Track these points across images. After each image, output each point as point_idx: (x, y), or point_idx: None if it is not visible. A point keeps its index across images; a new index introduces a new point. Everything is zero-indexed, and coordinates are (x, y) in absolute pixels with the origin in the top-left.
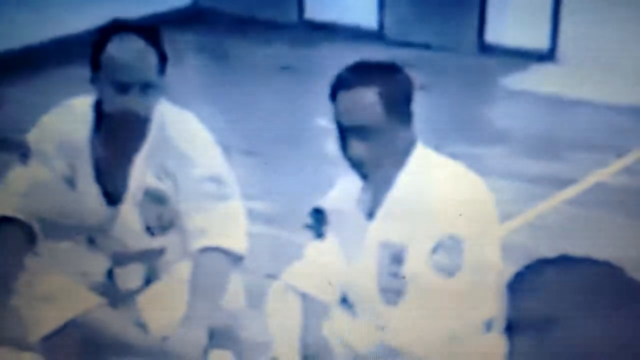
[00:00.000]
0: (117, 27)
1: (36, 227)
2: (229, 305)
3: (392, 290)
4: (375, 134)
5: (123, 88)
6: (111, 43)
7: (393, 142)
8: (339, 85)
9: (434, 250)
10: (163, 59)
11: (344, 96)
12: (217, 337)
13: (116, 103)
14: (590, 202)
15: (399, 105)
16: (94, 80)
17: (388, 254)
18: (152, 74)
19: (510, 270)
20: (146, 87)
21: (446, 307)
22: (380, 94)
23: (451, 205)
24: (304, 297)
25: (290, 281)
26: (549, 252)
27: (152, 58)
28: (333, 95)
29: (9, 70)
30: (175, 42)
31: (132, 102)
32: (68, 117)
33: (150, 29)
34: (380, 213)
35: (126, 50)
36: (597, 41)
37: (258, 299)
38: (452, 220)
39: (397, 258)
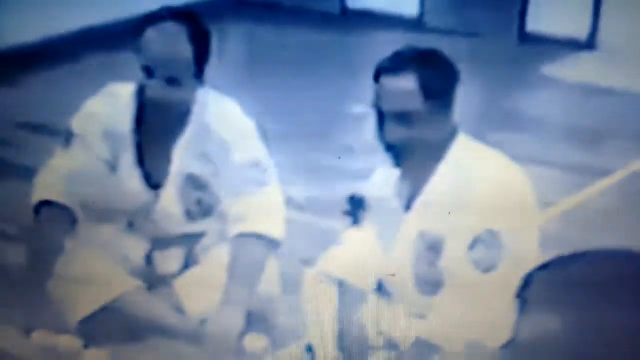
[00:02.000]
0: (157, 17)
1: (77, 211)
2: (266, 291)
3: (429, 280)
4: (413, 121)
5: (149, 73)
6: (150, 28)
7: (432, 131)
8: (383, 70)
9: (472, 244)
10: (205, 54)
11: (386, 81)
12: (253, 321)
13: (147, 87)
14: (628, 192)
15: (439, 93)
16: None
17: (425, 243)
18: (178, 68)
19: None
20: (172, 80)
21: (484, 301)
22: (421, 81)
23: (491, 198)
24: (340, 284)
25: (327, 268)
26: (586, 242)
27: (184, 53)
28: (376, 79)
29: (51, 56)
30: (216, 30)
31: (157, 89)
32: (111, 102)
33: (194, 19)
34: (419, 203)
35: (159, 38)
36: (637, 30)
37: (294, 285)
38: (491, 213)
39: (435, 248)
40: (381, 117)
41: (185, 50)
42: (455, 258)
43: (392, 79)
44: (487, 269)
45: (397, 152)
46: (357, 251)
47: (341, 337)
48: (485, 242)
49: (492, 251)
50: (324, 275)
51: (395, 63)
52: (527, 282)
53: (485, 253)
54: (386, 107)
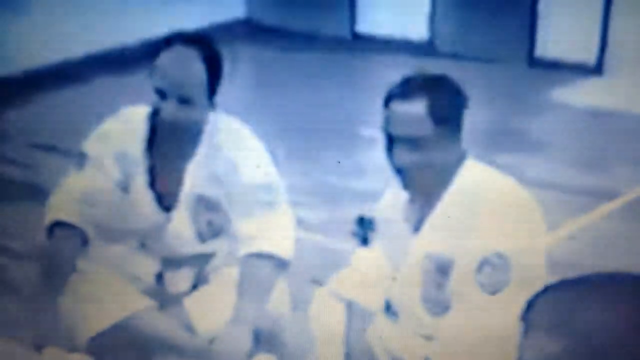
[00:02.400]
0: (169, 40)
1: (90, 231)
2: (275, 310)
3: (436, 302)
4: (422, 145)
5: (162, 95)
6: (164, 51)
7: (441, 155)
8: (393, 95)
9: (480, 267)
10: (217, 77)
11: (396, 106)
12: (262, 341)
13: (160, 109)
14: (635, 215)
15: (448, 119)
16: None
17: (433, 265)
18: (191, 90)
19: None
20: (184, 101)
21: (491, 322)
22: (430, 107)
23: (499, 221)
24: (349, 304)
25: (336, 288)
26: (591, 264)
27: (197, 75)
28: (386, 104)
29: (63, 78)
30: (228, 53)
31: (170, 111)
32: (124, 125)
33: (206, 43)
34: (427, 225)
35: (172, 61)
36: None
37: (303, 304)
38: (499, 236)
39: (442, 270)
40: (390, 141)
41: (198, 71)
42: (462, 280)
43: (401, 104)
44: (495, 291)
45: (406, 175)
46: (365, 272)
47: (349, 357)
48: (493, 264)
49: (499, 273)
50: (332, 295)
51: (405, 88)
52: (531, 304)
53: (493, 275)
54: (395, 131)
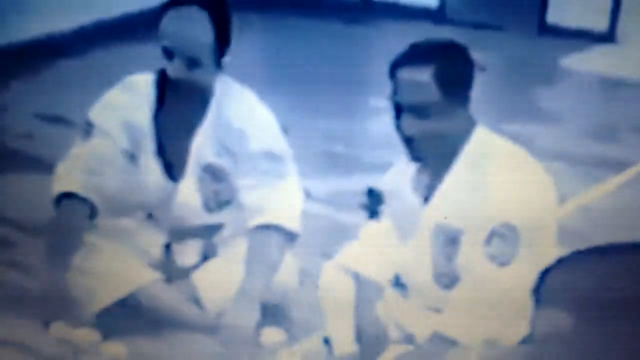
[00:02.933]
0: (175, 2)
1: (97, 203)
2: (283, 283)
3: (446, 274)
4: (430, 113)
5: (168, 54)
6: (172, 10)
7: (449, 123)
8: (397, 63)
9: (489, 238)
10: (225, 39)
11: (401, 74)
12: (270, 314)
13: (167, 69)
14: None
15: (455, 85)
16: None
17: (443, 237)
18: (198, 49)
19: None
20: (192, 61)
21: (500, 295)
22: (436, 73)
23: (509, 192)
24: (357, 277)
25: (345, 262)
26: (604, 236)
27: (205, 35)
28: (392, 73)
29: (67, 48)
30: (239, 20)
31: (177, 70)
32: (130, 93)
33: (216, 4)
34: (436, 196)
35: (179, 20)
36: None
37: (311, 277)
38: (508, 207)
39: (453, 241)
40: (398, 111)
41: (206, 31)
42: (471, 252)
43: (407, 71)
44: (503, 263)
45: (415, 145)
46: (374, 245)
47: (358, 330)
48: (502, 235)
49: (508, 245)
50: (341, 268)
51: (411, 56)
52: (543, 277)
53: (501, 247)
54: (402, 99)
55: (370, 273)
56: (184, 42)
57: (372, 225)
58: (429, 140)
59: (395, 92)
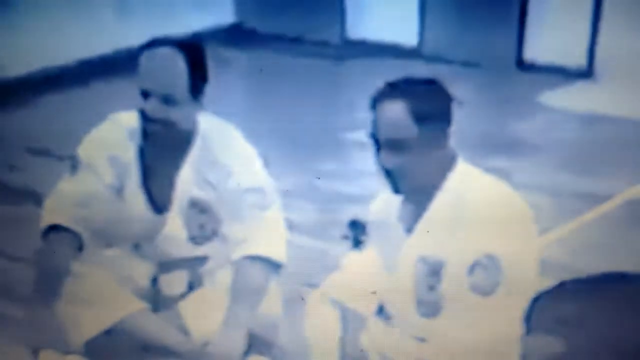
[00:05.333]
0: (157, 42)
1: (84, 235)
2: (268, 313)
3: (429, 303)
4: (408, 148)
5: (144, 95)
6: (146, 52)
7: (428, 158)
8: (375, 100)
9: (471, 269)
10: (201, 77)
11: (379, 109)
12: (256, 343)
13: (145, 109)
14: (624, 218)
15: (432, 120)
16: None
17: (426, 267)
18: (173, 88)
19: (546, 285)
20: (167, 99)
21: (484, 324)
22: (411, 109)
23: (490, 223)
24: (342, 307)
25: (329, 292)
26: (583, 267)
27: (179, 74)
28: (373, 105)
29: (57, 83)
30: (218, 58)
31: (153, 109)
32: (115, 129)
33: (191, 46)
34: (419, 227)
35: (152, 60)
36: (634, 59)
37: (295, 307)
38: (490, 238)
39: (435, 272)
40: (378, 145)
41: (179, 70)
42: (454, 282)
43: (383, 106)
44: (486, 293)
45: (394, 178)
46: (357, 274)
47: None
48: (484, 266)
49: (491, 275)
50: (326, 299)
51: (387, 92)
52: (534, 305)
53: (484, 277)
54: (380, 134)
55: (353, 303)
56: (159, 82)
57: (356, 255)
58: (408, 173)
59: (374, 127)
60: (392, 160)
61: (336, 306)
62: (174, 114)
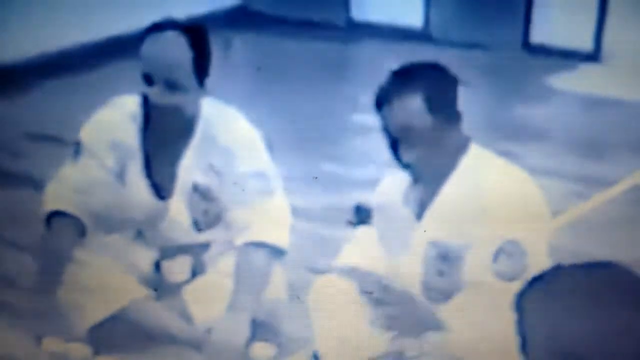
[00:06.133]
0: (156, 28)
1: (87, 220)
2: (272, 299)
3: (437, 289)
4: (424, 138)
5: (148, 80)
6: (150, 36)
7: (443, 143)
8: (383, 98)
9: (496, 255)
10: (205, 61)
11: (390, 106)
12: (260, 329)
13: (149, 95)
14: (631, 201)
15: (445, 106)
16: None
17: (436, 252)
18: (177, 73)
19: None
20: (171, 85)
21: (506, 310)
22: (425, 99)
23: (507, 207)
24: (346, 291)
25: (343, 262)
26: (590, 251)
27: (183, 59)
28: (378, 106)
29: (57, 68)
30: (222, 41)
31: (157, 95)
32: (118, 114)
33: (195, 29)
34: (430, 212)
35: (155, 44)
36: None
37: (300, 293)
38: (509, 223)
39: (445, 256)
40: (392, 140)
41: (183, 54)
42: (479, 271)
43: (396, 102)
44: (514, 278)
45: (415, 170)
46: (363, 254)
47: (347, 344)
48: (508, 252)
49: (517, 261)
50: (329, 284)
51: (398, 85)
52: (524, 292)
53: (510, 263)
54: (395, 131)
55: (366, 265)
56: (163, 67)
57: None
58: (426, 163)
59: (386, 123)
60: (411, 154)
61: (340, 291)
62: (178, 99)
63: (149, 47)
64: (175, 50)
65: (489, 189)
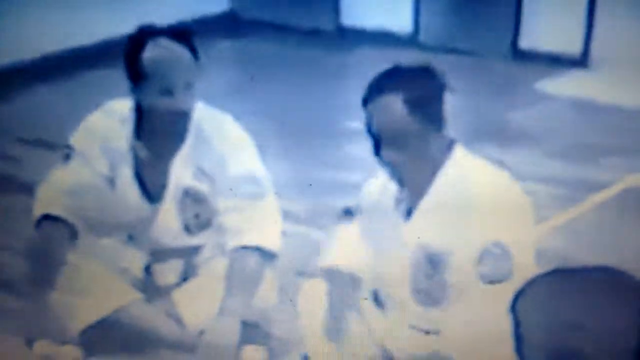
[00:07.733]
0: (148, 33)
1: (78, 224)
2: (262, 302)
3: (425, 292)
4: (406, 140)
5: (168, 91)
6: (148, 49)
7: (426, 146)
8: (368, 94)
9: (481, 258)
10: (198, 66)
11: (372, 105)
12: (251, 332)
13: (160, 105)
14: (621, 206)
15: (428, 109)
16: (135, 90)
17: (424, 255)
18: (192, 73)
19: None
20: (189, 86)
21: (491, 311)
22: (406, 101)
23: (492, 209)
24: (335, 292)
25: (324, 264)
26: (579, 256)
27: (189, 58)
28: (365, 104)
29: (47, 73)
30: (211, 47)
31: (178, 102)
32: (109, 118)
33: (180, 32)
34: (417, 214)
35: (165, 53)
36: (630, 47)
37: (290, 296)
38: (494, 226)
39: (432, 260)
40: (376, 141)
41: (185, 52)
42: (464, 273)
43: (378, 101)
44: (499, 281)
45: (397, 171)
46: (349, 244)
47: (338, 346)
48: (493, 255)
49: (501, 263)
50: (318, 286)
51: (382, 84)
52: (519, 296)
53: (494, 266)
54: (377, 129)
55: (349, 265)
56: (179, 73)
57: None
58: (410, 165)
59: (370, 123)
60: (394, 156)
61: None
62: (171, 106)
63: (157, 59)
64: (182, 57)
65: (475, 191)
